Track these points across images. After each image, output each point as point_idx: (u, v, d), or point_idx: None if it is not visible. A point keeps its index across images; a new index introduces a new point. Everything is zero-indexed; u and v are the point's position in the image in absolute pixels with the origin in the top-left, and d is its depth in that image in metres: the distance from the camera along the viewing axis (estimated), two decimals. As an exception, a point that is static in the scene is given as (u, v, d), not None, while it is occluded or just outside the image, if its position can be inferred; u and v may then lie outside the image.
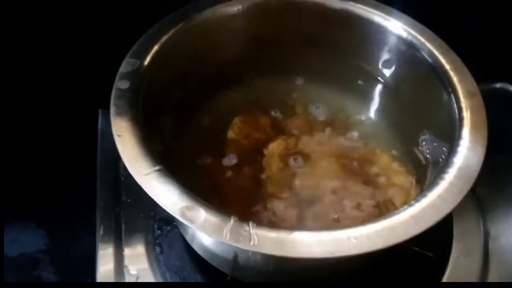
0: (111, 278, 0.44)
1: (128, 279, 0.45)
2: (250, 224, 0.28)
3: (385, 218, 0.29)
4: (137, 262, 0.45)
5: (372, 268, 0.41)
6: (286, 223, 0.37)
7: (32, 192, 0.58)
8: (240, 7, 0.43)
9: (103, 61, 0.39)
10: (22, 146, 0.56)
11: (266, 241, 0.27)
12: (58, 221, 0.57)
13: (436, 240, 0.46)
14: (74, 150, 0.49)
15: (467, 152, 0.33)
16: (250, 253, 0.36)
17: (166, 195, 0.29)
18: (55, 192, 0.57)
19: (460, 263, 0.46)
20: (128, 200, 0.49)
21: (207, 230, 0.28)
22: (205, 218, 0.28)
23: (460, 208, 0.47)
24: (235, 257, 0.36)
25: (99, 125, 0.51)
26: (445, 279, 0.44)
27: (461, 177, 0.32)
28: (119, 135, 0.32)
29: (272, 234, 0.28)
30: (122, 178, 0.49)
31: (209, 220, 0.28)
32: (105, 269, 0.44)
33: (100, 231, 0.47)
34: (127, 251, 0.46)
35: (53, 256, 0.56)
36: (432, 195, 0.31)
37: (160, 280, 0.44)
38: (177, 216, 0.28)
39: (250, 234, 0.28)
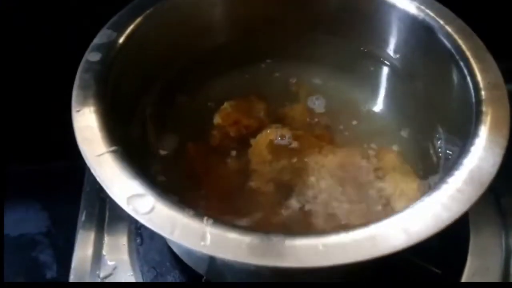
0: (87, 267, 0.42)
1: (105, 269, 0.42)
2: (205, 220, 0.24)
3: (363, 227, 0.24)
4: (117, 251, 0.44)
5: (367, 281, 0.36)
6: (267, 224, 0.32)
7: (39, 175, 0.59)
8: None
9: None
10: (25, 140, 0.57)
11: (220, 241, 0.23)
12: (62, 205, 0.56)
13: (447, 254, 0.41)
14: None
15: (482, 153, 0.28)
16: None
17: (116, 179, 0.26)
18: (61, 176, 0.57)
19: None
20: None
21: (153, 224, 0.24)
22: (155, 209, 0.24)
23: (479, 219, 0.43)
24: (211, 258, 0.32)
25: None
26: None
27: (470, 182, 0.26)
28: (77, 110, 0.29)
29: (230, 235, 0.23)
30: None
31: (159, 212, 0.24)
32: (82, 257, 0.43)
33: (82, 217, 0.46)
34: (107, 239, 0.44)
35: (52, 239, 0.56)
36: (431, 201, 0.26)
37: (138, 272, 0.42)
38: (122, 204, 0.24)
39: (204, 232, 0.23)
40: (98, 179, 0.26)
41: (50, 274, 0.56)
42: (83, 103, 0.30)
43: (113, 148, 0.27)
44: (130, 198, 0.25)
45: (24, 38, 0.50)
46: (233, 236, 0.24)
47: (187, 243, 0.23)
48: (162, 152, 0.38)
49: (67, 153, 0.54)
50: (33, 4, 0.47)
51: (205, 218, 0.24)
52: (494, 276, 0.41)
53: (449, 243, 0.42)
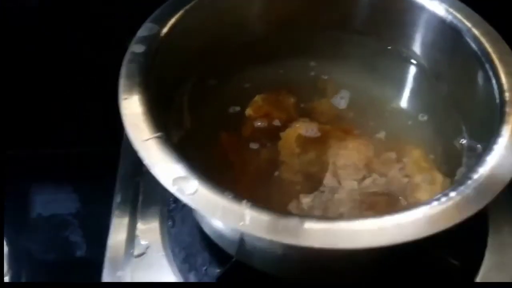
0: (121, 245, 0.44)
1: (138, 248, 0.45)
2: (245, 202, 0.26)
3: (389, 214, 0.26)
4: (149, 233, 0.45)
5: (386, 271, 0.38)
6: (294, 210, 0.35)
7: (72, 159, 0.61)
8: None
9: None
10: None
11: (257, 222, 0.25)
12: (92, 188, 0.59)
13: (466, 249, 0.42)
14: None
15: (504, 151, 0.29)
16: (255, 237, 0.34)
17: (161, 163, 0.28)
18: (93, 161, 0.60)
19: (490, 278, 0.41)
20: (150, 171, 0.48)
21: (197, 204, 0.26)
22: (198, 191, 0.27)
23: (499, 217, 0.44)
24: (241, 239, 0.35)
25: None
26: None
27: (492, 178, 0.28)
28: (124, 98, 0.31)
29: (265, 216, 0.26)
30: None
31: (202, 193, 0.27)
32: (117, 237, 0.45)
33: (117, 199, 0.47)
34: (140, 221, 0.46)
35: (82, 221, 0.59)
36: (455, 194, 0.27)
37: (169, 253, 0.44)
38: (169, 186, 0.27)
39: (243, 213, 0.26)
40: (144, 162, 0.28)
41: (80, 253, 0.57)
42: (129, 91, 0.32)
43: (158, 134, 0.30)
44: (175, 180, 0.27)
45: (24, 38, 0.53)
46: (266, 217, 0.26)
47: (228, 223, 0.25)
48: (196, 139, 0.40)
49: (99, 139, 0.58)
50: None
51: (244, 200, 0.26)
52: (509, 273, 0.42)
53: (468, 238, 0.44)
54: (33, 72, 0.56)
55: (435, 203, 0.27)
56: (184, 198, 0.26)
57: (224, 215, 0.26)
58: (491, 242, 0.43)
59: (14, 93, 0.57)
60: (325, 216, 0.31)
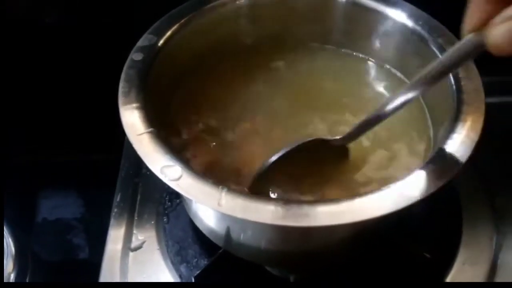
0: (120, 240, 0.47)
1: (135, 243, 0.48)
2: (221, 187, 0.30)
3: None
4: (146, 229, 0.48)
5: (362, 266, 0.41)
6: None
7: (78, 166, 0.65)
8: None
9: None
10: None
11: (231, 203, 0.29)
12: (96, 194, 0.62)
13: (440, 243, 0.45)
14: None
15: (458, 147, 0.33)
16: (240, 228, 0.38)
17: (152, 154, 0.32)
18: (97, 168, 0.63)
19: (464, 270, 0.44)
20: (148, 173, 0.52)
21: (181, 188, 0.30)
22: (182, 177, 0.30)
23: (473, 216, 0.47)
24: (227, 231, 0.38)
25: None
26: (446, 283, 0.43)
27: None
28: (123, 100, 0.35)
29: (239, 200, 0.29)
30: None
31: (185, 179, 0.30)
32: (115, 232, 0.48)
33: (117, 198, 0.51)
34: (138, 218, 0.49)
35: (86, 225, 0.62)
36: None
37: (164, 247, 0.47)
38: (157, 173, 0.30)
39: (220, 197, 0.29)
40: (137, 152, 0.32)
41: (83, 255, 0.60)
42: (128, 94, 0.36)
43: (150, 129, 0.34)
44: (163, 168, 0.31)
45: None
46: (240, 201, 0.29)
47: (206, 204, 0.29)
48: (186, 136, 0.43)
49: (103, 147, 0.61)
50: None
51: (220, 186, 0.30)
52: (483, 266, 0.44)
53: (443, 234, 0.47)
54: (41, 82, 0.59)
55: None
56: (170, 183, 0.30)
57: (203, 197, 0.29)
58: (465, 237, 0.46)
59: (22, 102, 0.60)
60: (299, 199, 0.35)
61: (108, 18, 0.55)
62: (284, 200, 0.29)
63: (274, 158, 0.36)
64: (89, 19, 0.55)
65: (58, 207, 0.65)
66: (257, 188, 0.36)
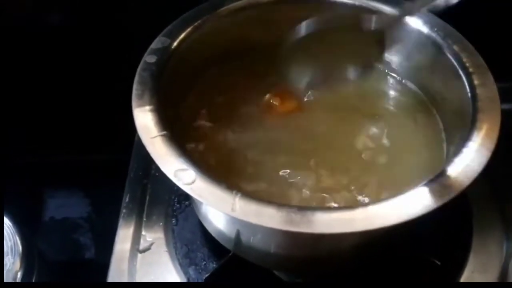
0: (128, 241, 0.47)
1: (143, 244, 0.48)
2: (235, 192, 0.30)
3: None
4: (154, 230, 0.48)
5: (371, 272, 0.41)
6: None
7: (85, 166, 0.65)
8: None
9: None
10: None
11: (245, 209, 0.29)
12: (102, 194, 0.63)
13: (450, 250, 0.45)
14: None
15: (473, 156, 0.32)
16: (250, 231, 0.37)
17: (165, 157, 0.32)
18: (104, 168, 0.63)
19: (474, 278, 0.44)
20: (157, 174, 0.52)
21: (194, 192, 0.30)
22: (195, 181, 0.30)
23: (483, 225, 0.47)
24: (237, 234, 0.38)
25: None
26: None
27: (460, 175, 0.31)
28: (137, 102, 0.35)
29: (253, 206, 0.29)
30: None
31: (199, 183, 0.30)
32: (124, 233, 0.48)
33: (126, 199, 0.50)
34: (146, 220, 0.49)
35: (92, 224, 0.63)
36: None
37: (172, 249, 0.47)
38: (171, 176, 0.30)
39: (233, 202, 0.29)
40: (151, 155, 0.32)
41: (89, 255, 0.61)
42: (141, 96, 0.36)
43: (163, 132, 0.34)
44: (176, 172, 0.31)
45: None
46: (254, 206, 0.29)
47: (220, 209, 0.29)
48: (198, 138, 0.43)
49: (111, 147, 0.61)
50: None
51: (234, 190, 0.30)
52: (492, 275, 0.44)
53: (453, 241, 0.46)
54: (48, 82, 0.60)
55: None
56: (183, 187, 0.30)
57: (217, 202, 0.29)
58: (475, 244, 0.46)
59: (29, 102, 0.61)
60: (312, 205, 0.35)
61: (108, 18, 0.55)
62: (298, 207, 0.29)
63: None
64: (89, 19, 0.55)
65: (65, 206, 0.65)
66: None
